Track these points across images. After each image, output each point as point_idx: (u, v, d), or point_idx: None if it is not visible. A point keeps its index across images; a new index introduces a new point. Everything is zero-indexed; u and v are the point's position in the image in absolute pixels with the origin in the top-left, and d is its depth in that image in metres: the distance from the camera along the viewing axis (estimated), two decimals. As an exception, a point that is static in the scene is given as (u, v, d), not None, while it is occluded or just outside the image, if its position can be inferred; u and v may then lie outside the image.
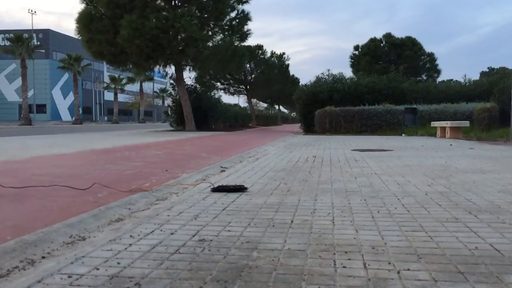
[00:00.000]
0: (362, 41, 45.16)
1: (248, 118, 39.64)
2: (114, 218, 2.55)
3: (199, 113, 22.44)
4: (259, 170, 4.96)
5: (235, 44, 23.45)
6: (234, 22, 22.82)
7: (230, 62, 23.51)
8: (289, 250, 1.92)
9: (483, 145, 9.61)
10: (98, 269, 1.67)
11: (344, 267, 1.69)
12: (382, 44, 39.97)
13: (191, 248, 1.95)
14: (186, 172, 4.86)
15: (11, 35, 38.77)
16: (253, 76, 45.98)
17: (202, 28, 21.00)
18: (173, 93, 26.14)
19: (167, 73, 24.83)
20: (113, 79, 56.44)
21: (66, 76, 56.98)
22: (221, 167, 5.25)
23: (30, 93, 43.72)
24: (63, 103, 62.08)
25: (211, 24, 22.15)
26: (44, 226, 2.25)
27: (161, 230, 2.26)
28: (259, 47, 45.10)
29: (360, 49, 40.60)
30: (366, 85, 19.66)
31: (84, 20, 20.18)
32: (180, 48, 20.68)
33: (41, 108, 55.73)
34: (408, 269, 1.66)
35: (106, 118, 68.74)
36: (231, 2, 22.12)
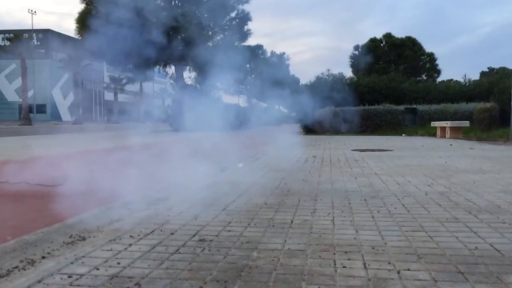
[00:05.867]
0: (362, 41, 45.11)
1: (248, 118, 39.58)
2: (114, 218, 2.55)
3: (199, 113, 22.43)
4: (259, 170, 4.96)
5: (235, 44, 23.43)
6: (234, 22, 22.81)
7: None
8: (289, 250, 1.92)
9: (483, 145, 9.61)
10: (98, 269, 1.67)
11: (344, 267, 1.69)
12: (382, 44, 39.92)
13: (191, 248, 1.95)
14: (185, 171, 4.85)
15: (11, 35, 38.73)
16: (253, 76, 45.92)
17: (202, 28, 20.97)
18: (173, 93, 26.11)
19: (167, 73, 24.82)
20: (113, 79, 56.41)
21: (66, 76, 56.92)
22: (222, 167, 5.25)
23: (30, 93, 43.67)
24: (63, 103, 62.00)
25: (211, 24, 22.11)
26: (44, 226, 2.25)
27: (161, 230, 2.26)
28: (259, 47, 45.03)
29: (360, 49, 40.55)
30: (366, 85, 19.65)
31: (84, 20, 20.19)
32: (180, 48, 20.67)
33: (41, 108, 55.65)
34: (408, 269, 1.66)
35: (106, 118, 68.65)
36: (231, 2, 22.10)
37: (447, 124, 13.34)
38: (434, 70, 40.24)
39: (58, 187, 3.62)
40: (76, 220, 2.42)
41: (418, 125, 15.71)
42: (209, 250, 1.91)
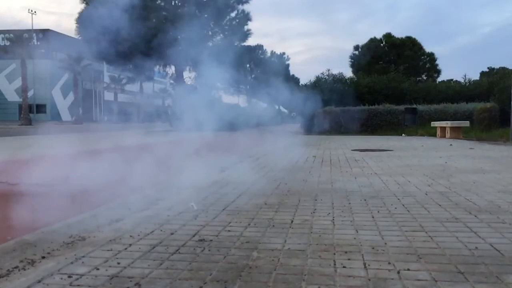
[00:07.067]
0: (362, 41, 45.10)
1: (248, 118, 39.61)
2: (114, 218, 2.55)
3: (199, 113, 22.43)
4: (259, 170, 4.96)
5: (235, 44, 23.41)
6: (234, 22, 22.78)
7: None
8: (289, 250, 1.92)
9: (483, 145, 9.61)
10: (98, 269, 1.67)
11: (344, 267, 1.69)
12: (382, 44, 39.90)
13: (191, 248, 1.95)
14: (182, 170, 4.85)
15: (11, 35, 38.73)
16: (253, 76, 45.88)
17: (202, 28, 20.94)
18: (173, 93, 26.12)
19: (167, 73, 24.77)
20: (113, 79, 56.46)
21: (66, 76, 56.96)
22: (221, 166, 5.25)
23: (30, 93, 43.67)
24: (63, 103, 61.98)
25: (211, 24, 22.08)
26: (44, 226, 2.25)
27: (161, 230, 2.26)
28: (259, 47, 44.99)
29: (360, 49, 40.53)
30: (366, 85, 19.67)
31: (84, 20, 20.18)
32: (180, 48, 20.65)
33: (41, 108, 55.64)
34: (408, 269, 1.66)
35: (106, 118, 68.62)
36: (231, 2, 22.08)
37: (447, 124, 13.35)
38: (434, 70, 40.22)
39: (58, 187, 3.62)
40: (76, 220, 2.42)
41: (418, 125, 15.72)
42: (209, 250, 1.91)
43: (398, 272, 1.63)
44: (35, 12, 62.70)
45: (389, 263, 1.73)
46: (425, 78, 37.18)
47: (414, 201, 3.04)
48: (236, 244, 2.01)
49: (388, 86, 19.59)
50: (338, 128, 17.39)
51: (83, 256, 1.82)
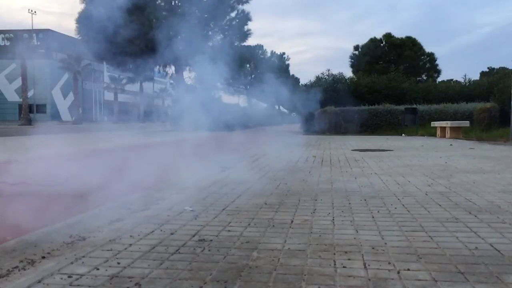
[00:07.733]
0: (362, 41, 45.08)
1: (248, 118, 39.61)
2: (114, 218, 2.55)
3: (199, 113, 22.41)
4: (259, 170, 4.96)
5: (235, 44, 23.41)
6: (234, 22, 22.78)
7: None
8: (289, 250, 1.92)
9: (483, 145, 9.61)
10: (98, 269, 1.67)
11: (344, 267, 1.69)
12: (382, 44, 39.87)
13: (191, 248, 1.95)
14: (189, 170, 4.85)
15: (11, 35, 38.76)
16: (253, 76, 45.86)
17: (202, 28, 20.94)
18: (173, 93, 26.13)
19: (167, 73, 24.77)
20: (113, 79, 56.48)
21: (66, 76, 56.99)
22: (221, 166, 5.25)
23: (30, 93, 43.69)
24: (63, 103, 61.99)
25: (211, 24, 22.07)
26: (44, 226, 2.25)
27: (161, 230, 2.26)
28: (259, 47, 44.96)
29: (360, 49, 40.49)
30: (366, 85, 19.68)
31: (84, 20, 20.18)
32: (180, 48, 20.64)
33: (41, 108, 55.67)
34: (408, 269, 1.66)
35: (106, 118, 68.58)
36: (231, 2, 22.07)
37: (447, 124, 13.35)
38: (434, 70, 40.19)
39: (57, 187, 3.62)
40: (76, 220, 2.42)
41: (418, 125, 15.72)
42: (209, 250, 1.91)
43: (398, 272, 1.63)
44: (35, 12, 62.64)
45: (389, 263, 1.73)
46: (425, 78, 37.14)
47: (414, 201, 3.04)
48: (236, 244, 2.01)
49: (388, 86, 19.60)
50: (338, 128, 17.39)
51: (83, 256, 1.82)
